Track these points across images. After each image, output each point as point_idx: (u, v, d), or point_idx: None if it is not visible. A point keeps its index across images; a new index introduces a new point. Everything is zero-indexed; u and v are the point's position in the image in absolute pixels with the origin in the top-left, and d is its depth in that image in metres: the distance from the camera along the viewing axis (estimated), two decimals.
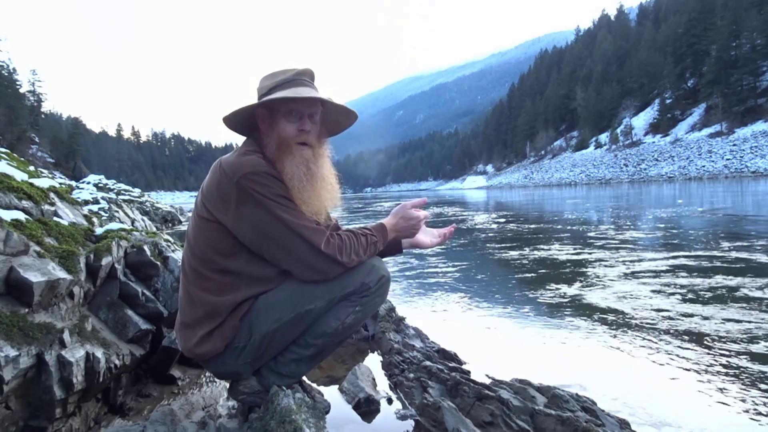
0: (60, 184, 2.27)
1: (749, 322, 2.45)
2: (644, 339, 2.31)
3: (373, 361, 2.08)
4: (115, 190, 12.42)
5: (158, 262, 1.83)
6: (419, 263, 5.13)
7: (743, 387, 1.74)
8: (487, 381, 1.60)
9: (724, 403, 1.63)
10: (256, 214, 1.18)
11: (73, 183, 10.78)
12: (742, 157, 50.60)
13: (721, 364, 1.95)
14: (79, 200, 2.38)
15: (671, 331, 2.39)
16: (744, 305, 2.75)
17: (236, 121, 1.33)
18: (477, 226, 9.31)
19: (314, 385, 1.69)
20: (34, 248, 1.37)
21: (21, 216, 1.46)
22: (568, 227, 8.15)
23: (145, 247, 1.83)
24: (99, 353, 1.37)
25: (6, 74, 48.50)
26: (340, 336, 1.31)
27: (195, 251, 1.25)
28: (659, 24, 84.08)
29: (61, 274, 1.35)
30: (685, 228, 7.06)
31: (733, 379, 1.82)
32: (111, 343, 1.48)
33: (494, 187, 76.91)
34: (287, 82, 1.29)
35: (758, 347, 2.10)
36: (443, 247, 6.30)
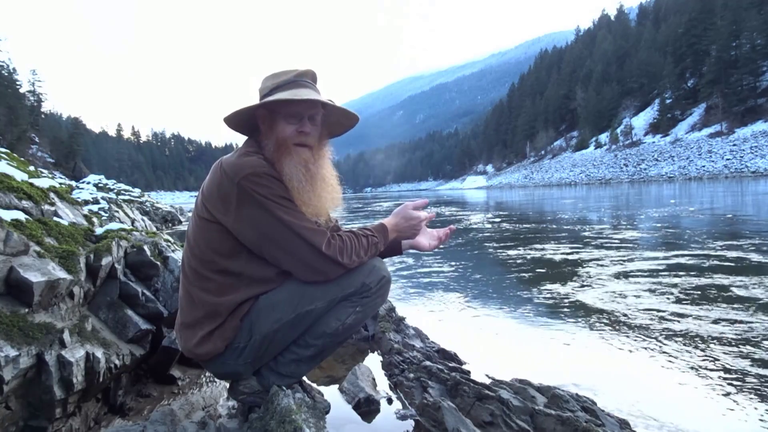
0: (60, 184, 2.27)
1: (744, 322, 2.45)
2: (644, 339, 2.31)
3: (373, 361, 2.08)
4: (115, 190, 12.42)
5: (158, 262, 1.83)
6: (419, 263, 5.13)
7: (742, 387, 1.74)
8: (487, 381, 1.60)
9: (723, 403, 1.63)
10: (257, 215, 1.18)
11: (73, 183, 10.78)
12: (742, 157, 50.61)
13: (720, 364, 1.95)
14: (79, 200, 2.38)
15: (670, 331, 2.39)
16: (739, 305, 2.75)
17: (237, 121, 1.33)
18: (476, 226, 9.32)
19: (314, 385, 1.69)
20: (34, 248, 1.37)
21: (21, 216, 1.46)
22: (564, 227, 8.16)
23: (145, 247, 1.83)
24: (99, 353, 1.37)
25: (6, 74, 48.48)
26: (340, 336, 1.31)
27: (195, 251, 1.25)
28: (659, 24, 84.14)
29: (61, 274, 1.35)
30: (675, 228, 7.16)
31: (732, 379, 1.82)
32: (111, 343, 1.48)
33: (494, 187, 76.93)
34: (288, 83, 1.29)
35: (757, 347, 2.10)
36: (442, 246, 6.31)
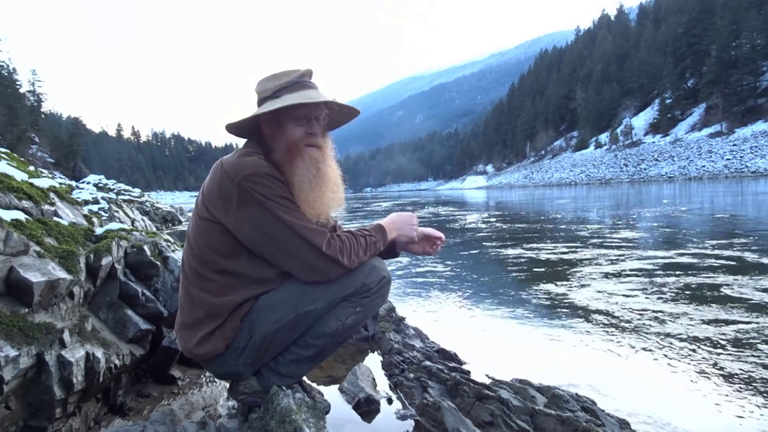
0: (60, 184, 2.27)
1: (742, 322, 2.45)
2: (642, 339, 2.31)
3: (373, 361, 2.08)
4: (115, 190, 12.43)
5: (158, 262, 1.83)
6: (417, 263, 5.13)
7: (741, 387, 1.74)
8: (487, 381, 1.60)
9: (723, 403, 1.63)
10: (258, 215, 1.18)
11: (73, 183, 10.78)
12: (742, 157, 50.62)
13: (719, 365, 1.95)
14: (79, 200, 2.38)
15: (669, 331, 2.39)
16: (734, 305, 2.75)
17: (239, 126, 1.33)
18: (474, 226, 9.32)
19: (314, 385, 1.69)
20: (34, 248, 1.37)
21: (21, 216, 1.46)
22: (560, 226, 8.18)
23: (145, 247, 1.83)
24: (99, 353, 1.37)
25: (6, 74, 48.47)
26: (340, 336, 1.31)
27: (195, 251, 1.25)
28: (659, 24, 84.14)
29: (61, 274, 1.35)
30: (666, 227, 7.25)
31: (731, 379, 1.82)
32: (111, 343, 1.48)
33: (494, 187, 76.95)
34: (293, 85, 1.29)
35: (755, 348, 2.10)
36: (445, 246, 6.28)
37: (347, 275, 1.26)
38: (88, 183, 12.14)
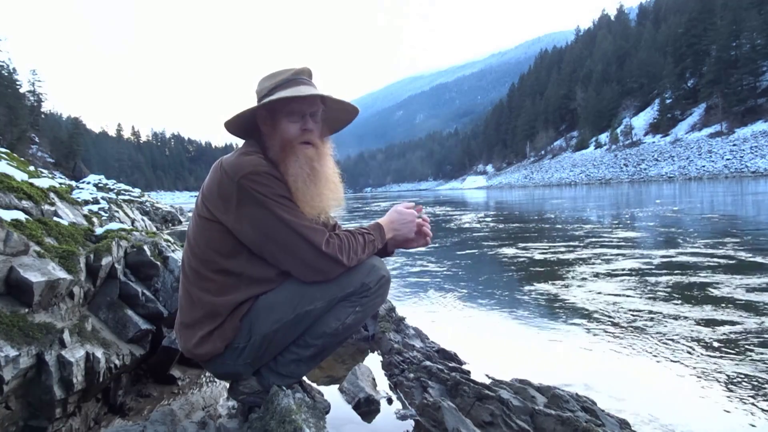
0: (60, 184, 2.27)
1: (740, 323, 2.45)
2: (643, 339, 2.31)
3: (373, 361, 2.08)
4: (115, 190, 12.43)
5: (158, 262, 1.83)
6: (416, 263, 5.13)
7: (740, 387, 1.74)
8: (487, 381, 1.60)
9: (722, 403, 1.63)
10: (257, 214, 1.18)
11: (73, 183, 10.78)
12: (742, 157, 50.63)
13: (718, 365, 1.95)
14: (79, 200, 2.39)
15: (668, 331, 2.39)
16: (733, 305, 2.75)
17: (237, 125, 1.33)
18: (473, 226, 9.32)
19: (314, 385, 1.69)
20: (34, 248, 1.37)
21: (21, 216, 1.46)
22: (557, 226, 8.20)
23: (145, 247, 1.83)
24: (99, 353, 1.37)
25: (6, 74, 48.46)
26: (340, 336, 1.31)
27: (195, 251, 1.25)
28: (659, 24, 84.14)
29: (61, 274, 1.35)
30: (660, 227, 7.31)
31: (731, 379, 1.82)
32: (111, 343, 1.48)
33: (494, 187, 76.99)
34: (286, 82, 1.28)
35: (754, 348, 2.10)
36: (441, 246, 6.32)
37: (346, 275, 1.26)
38: (88, 183, 12.15)
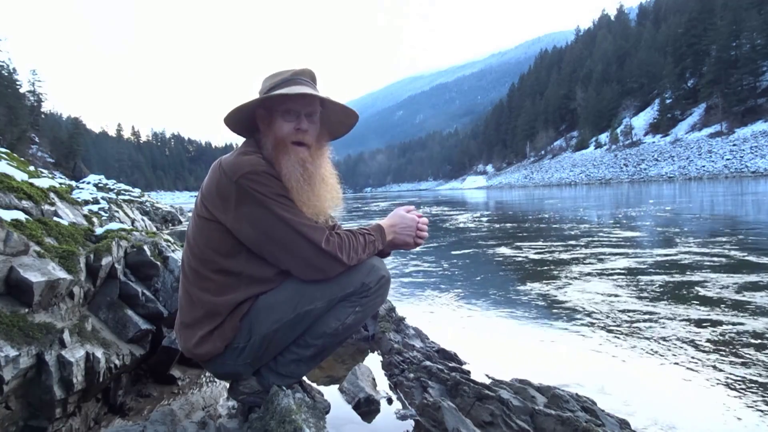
0: (60, 184, 2.27)
1: (740, 323, 2.45)
2: (642, 339, 2.31)
3: (373, 361, 2.08)
4: (115, 190, 12.43)
5: (158, 262, 1.83)
6: (417, 263, 5.13)
7: (740, 387, 1.74)
8: (487, 381, 1.60)
9: (722, 403, 1.63)
10: (256, 213, 1.18)
11: (73, 183, 10.78)
12: (742, 157, 50.63)
13: (718, 365, 1.95)
14: (79, 200, 2.38)
15: (668, 331, 2.39)
16: (731, 305, 2.75)
17: (237, 121, 1.33)
18: (472, 226, 9.32)
19: (314, 385, 1.69)
20: (34, 248, 1.37)
21: (21, 216, 1.46)
22: (554, 226, 8.21)
23: (145, 247, 1.83)
24: (99, 353, 1.37)
25: (6, 74, 48.46)
26: (340, 336, 1.31)
27: (195, 251, 1.25)
28: (659, 24, 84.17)
29: (61, 274, 1.35)
30: (655, 227, 7.39)
31: (730, 379, 1.82)
32: (111, 343, 1.48)
33: (494, 187, 77.02)
34: (285, 82, 1.29)
35: (753, 348, 2.10)
36: (439, 246, 6.32)
37: (346, 275, 1.26)
38: (88, 183, 12.14)
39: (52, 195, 1.87)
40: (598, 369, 2.02)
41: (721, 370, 1.90)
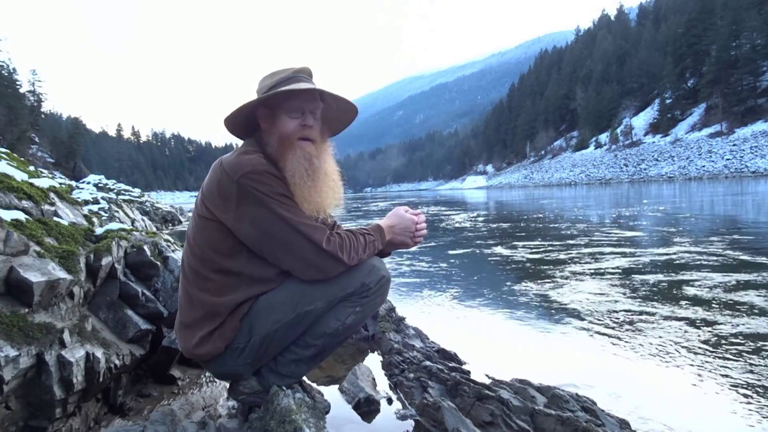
0: (60, 184, 2.27)
1: (740, 324, 2.45)
2: (641, 339, 2.31)
3: (373, 361, 2.08)
4: (115, 190, 12.43)
5: (158, 262, 1.83)
6: (417, 263, 5.13)
7: (740, 387, 1.74)
8: (487, 381, 1.60)
9: (722, 403, 1.63)
10: (257, 212, 1.18)
11: (73, 183, 10.78)
12: (742, 157, 50.62)
13: (718, 365, 1.95)
14: (79, 200, 2.38)
15: (667, 331, 2.39)
16: (730, 305, 2.75)
17: (237, 122, 1.33)
18: (471, 225, 9.32)
19: (314, 385, 1.69)
20: (34, 248, 1.37)
21: (21, 216, 1.46)
22: (550, 225, 8.23)
23: (145, 247, 1.83)
24: (99, 353, 1.37)
25: (6, 74, 48.45)
26: (340, 336, 1.31)
27: (195, 251, 1.25)
28: (659, 24, 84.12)
29: (61, 274, 1.35)
30: (652, 226, 7.39)
31: (730, 379, 1.82)
32: (111, 343, 1.48)
33: (494, 187, 77.03)
34: (286, 80, 1.29)
35: (751, 348, 2.10)
36: (438, 245, 6.32)
37: (346, 275, 1.26)
38: (88, 183, 12.14)
39: (52, 195, 1.87)
40: (597, 369, 2.02)
41: (720, 370, 1.90)
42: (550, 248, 5.58)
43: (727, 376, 1.85)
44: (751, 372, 1.86)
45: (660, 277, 3.67)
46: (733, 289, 3.15)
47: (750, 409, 1.58)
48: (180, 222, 13.93)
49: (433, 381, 1.65)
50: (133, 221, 9.23)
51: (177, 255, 1.94)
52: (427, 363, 1.78)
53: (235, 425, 1.30)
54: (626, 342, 2.29)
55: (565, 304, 3.05)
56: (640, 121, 76.82)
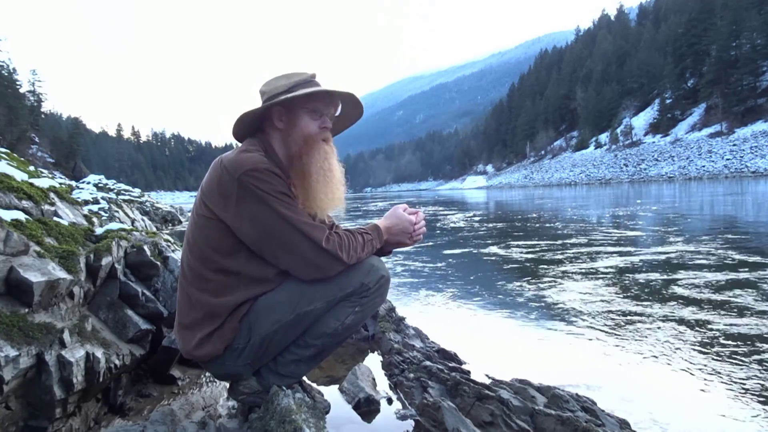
0: (60, 184, 2.27)
1: (740, 325, 2.45)
2: (642, 339, 2.31)
3: (373, 361, 2.08)
4: (115, 190, 12.43)
5: (158, 262, 1.83)
6: (416, 262, 5.13)
7: (740, 387, 1.74)
8: (487, 381, 1.60)
9: (722, 403, 1.63)
10: (257, 210, 1.18)
11: (73, 183, 10.78)
12: (742, 157, 50.62)
13: (718, 365, 1.95)
14: (79, 200, 2.38)
15: (667, 332, 2.39)
16: (729, 305, 2.75)
17: (247, 121, 1.32)
18: (471, 225, 9.32)
19: (314, 385, 1.69)
20: (34, 248, 1.37)
21: (21, 216, 1.46)
22: (547, 225, 8.21)
23: (145, 247, 1.83)
24: (99, 353, 1.37)
25: (6, 74, 48.47)
26: (339, 336, 1.31)
27: (194, 250, 1.25)
28: (659, 24, 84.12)
29: (61, 274, 1.35)
30: (646, 226, 7.37)
31: (730, 379, 1.82)
32: (111, 343, 1.48)
33: (494, 187, 77.04)
34: (306, 82, 1.31)
35: (750, 348, 2.10)
36: (437, 245, 6.32)
37: (345, 275, 1.26)
38: (88, 183, 12.14)
39: (52, 195, 1.87)
40: (598, 369, 2.02)
41: (719, 370, 1.90)
42: (549, 248, 5.59)
43: (726, 376, 1.85)
44: (752, 372, 1.86)
45: (656, 276, 3.67)
46: (733, 289, 3.15)
47: (750, 409, 1.58)
48: (180, 222, 13.94)
49: (433, 381, 1.65)
50: (133, 221, 9.23)
51: (177, 255, 1.94)
52: (427, 363, 1.78)
53: (235, 425, 1.30)
54: (625, 342, 2.29)
55: (565, 304, 3.05)
56: (640, 121, 76.82)
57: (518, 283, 3.76)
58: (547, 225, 8.67)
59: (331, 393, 1.73)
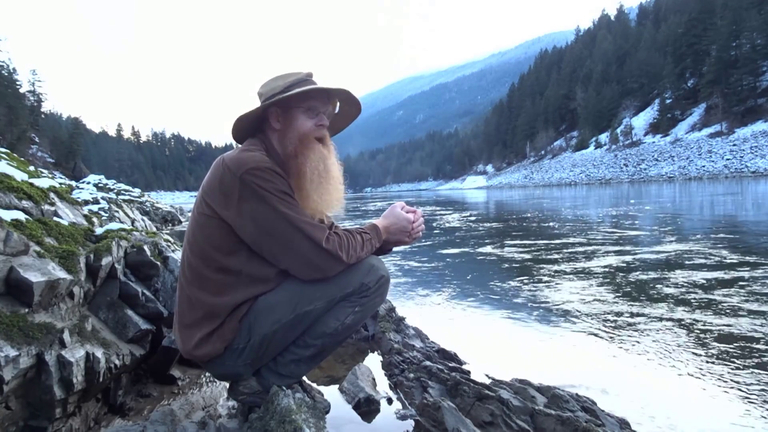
0: (60, 184, 2.27)
1: (740, 325, 2.45)
2: (642, 339, 2.31)
3: (373, 361, 2.08)
4: (115, 190, 12.42)
5: (158, 262, 1.83)
6: (415, 262, 5.13)
7: (740, 387, 1.74)
8: (487, 381, 1.60)
9: (722, 403, 1.63)
10: (258, 209, 1.18)
11: (73, 183, 10.78)
12: (742, 157, 50.61)
13: (718, 365, 1.95)
14: (79, 200, 2.39)
15: (668, 331, 2.39)
16: (729, 305, 2.75)
17: (246, 122, 1.33)
18: (470, 225, 9.32)
19: (314, 385, 1.69)
20: (34, 248, 1.37)
21: (21, 216, 1.46)
22: (544, 224, 8.20)
23: (145, 247, 1.83)
24: (99, 353, 1.37)
25: (6, 74, 48.46)
26: (339, 336, 1.31)
27: (194, 248, 1.25)
28: (659, 24, 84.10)
29: (61, 274, 1.35)
30: (643, 225, 7.34)
31: (730, 379, 1.82)
32: (111, 343, 1.48)
33: (494, 187, 77.05)
34: (302, 81, 1.31)
35: (750, 348, 2.10)
36: (436, 245, 6.32)
37: (345, 274, 1.26)
38: (88, 183, 12.14)
39: (52, 195, 1.87)
40: (598, 369, 2.02)
41: (720, 370, 1.90)
42: (548, 248, 5.58)
43: (728, 375, 1.85)
44: (752, 372, 1.86)
45: (654, 275, 3.67)
46: (727, 287, 3.15)
47: (750, 409, 1.58)
48: (180, 222, 13.93)
49: (433, 381, 1.65)
50: (133, 221, 9.23)
51: (177, 255, 1.94)
52: (427, 363, 1.78)
53: (235, 425, 1.30)
54: (625, 342, 2.29)
55: (564, 304, 3.05)
56: (640, 121, 76.82)
57: (517, 283, 3.76)
58: (546, 225, 8.67)
59: (331, 393, 1.73)
